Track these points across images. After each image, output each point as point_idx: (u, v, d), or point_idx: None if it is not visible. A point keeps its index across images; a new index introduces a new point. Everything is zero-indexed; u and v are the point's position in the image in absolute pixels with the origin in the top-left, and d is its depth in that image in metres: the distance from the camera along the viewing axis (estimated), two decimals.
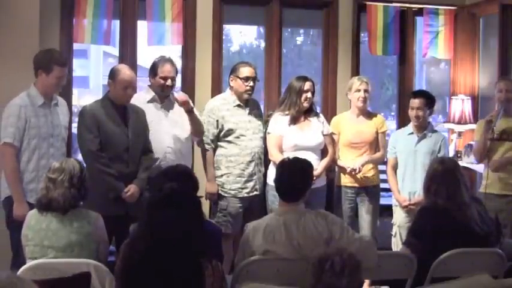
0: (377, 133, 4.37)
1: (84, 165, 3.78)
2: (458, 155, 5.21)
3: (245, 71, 4.12)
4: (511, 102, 4.21)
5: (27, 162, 3.61)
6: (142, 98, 4.07)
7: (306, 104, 4.11)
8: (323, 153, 4.19)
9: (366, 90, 4.30)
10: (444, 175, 3.12)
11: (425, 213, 3.15)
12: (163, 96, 4.06)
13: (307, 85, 4.10)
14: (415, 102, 4.27)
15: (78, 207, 3.00)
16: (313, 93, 4.17)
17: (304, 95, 4.09)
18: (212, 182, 4.13)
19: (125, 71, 3.82)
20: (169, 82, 4.01)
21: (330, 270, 2.20)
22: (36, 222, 2.96)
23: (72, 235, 2.90)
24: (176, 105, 4.06)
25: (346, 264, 2.21)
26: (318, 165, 4.06)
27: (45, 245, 2.91)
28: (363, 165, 4.22)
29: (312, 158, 3.93)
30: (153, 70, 4.04)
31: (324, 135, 4.18)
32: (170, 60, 4.06)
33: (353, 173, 4.21)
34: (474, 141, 4.51)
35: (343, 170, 4.30)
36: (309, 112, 4.18)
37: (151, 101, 4.04)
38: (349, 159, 4.29)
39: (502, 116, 4.15)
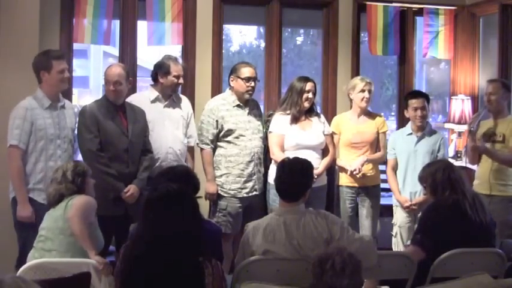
0: (377, 133, 4.37)
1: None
2: (458, 155, 5.21)
3: (246, 72, 4.12)
4: (492, 105, 4.20)
5: (34, 163, 3.63)
6: (145, 97, 4.10)
7: (306, 104, 4.11)
8: (324, 152, 4.20)
9: (369, 91, 4.30)
10: (445, 174, 3.18)
11: (436, 207, 3.17)
12: (166, 96, 4.08)
13: (308, 85, 4.11)
14: (417, 102, 4.27)
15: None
16: (314, 94, 4.17)
17: (305, 95, 4.09)
18: (212, 182, 4.13)
19: (110, 67, 3.90)
20: (181, 80, 4.11)
21: (331, 270, 2.19)
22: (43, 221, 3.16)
23: (57, 218, 3.07)
24: (178, 105, 4.14)
25: (346, 263, 2.21)
26: (319, 164, 4.07)
27: (43, 234, 3.08)
28: (362, 165, 4.22)
29: (313, 157, 3.95)
30: (164, 69, 4.05)
31: (324, 135, 4.19)
32: (178, 59, 4.19)
33: (354, 172, 4.21)
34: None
35: (343, 169, 4.31)
36: (310, 112, 4.19)
37: (154, 100, 4.07)
38: (350, 159, 4.28)
39: (483, 118, 4.18)
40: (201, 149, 4.17)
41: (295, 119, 4.11)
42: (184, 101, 4.27)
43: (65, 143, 3.76)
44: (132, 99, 4.06)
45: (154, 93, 4.08)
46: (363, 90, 4.29)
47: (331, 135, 4.27)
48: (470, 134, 4.13)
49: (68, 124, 3.82)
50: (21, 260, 3.33)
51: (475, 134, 4.10)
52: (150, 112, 4.00)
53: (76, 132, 3.85)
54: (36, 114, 3.64)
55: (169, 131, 4.06)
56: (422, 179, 3.34)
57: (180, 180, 2.83)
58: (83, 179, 3.18)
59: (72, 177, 3.14)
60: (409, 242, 3.98)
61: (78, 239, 2.98)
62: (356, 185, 4.30)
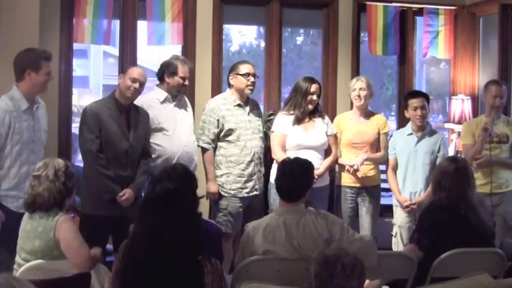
0: (378, 134, 4.36)
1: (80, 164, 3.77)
2: (459, 154, 5.20)
3: (245, 68, 4.14)
4: (498, 109, 4.26)
5: (8, 168, 3.46)
6: (153, 97, 4.09)
7: (310, 106, 4.10)
8: (326, 153, 4.19)
9: (361, 89, 4.29)
10: (457, 173, 3.16)
11: (434, 208, 3.17)
12: (173, 96, 4.10)
13: (313, 87, 4.10)
14: (417, 101, 4.27)
15: (62, 206, 2.90)
16: (318, 96, 4.17)
17: (309, 97, 4.08)
18: (213, 181, 4.12)
19: (137, 68, 3.93)
20: (186, 82, 4.13)
21: (341, 272, 2.16)
22: (23, 224, 2.91)
23: (36, 240, 2.80)
24: (185, 105, 4.19)
25: (355, 265, 2.19)
26: (321, 165, 4.07)
27: (20, 244, 2.85)
28: (361, 163, 4.22)
29: (314, 157, 3.94)
30: (172, 69, 4.06)
31: (327, 135, 4.18)
32: (186, 61, 4.20)
33: (352, 169, 4.20)
34: (463, 143, 4.47)
35: (344, 169, 4.30)
36: (314, 113, 4.18)
37: (164, 101, 4.08)
38: (350, 158, 4.28)
39: (495, 120, 4.20)
40: (202, 149, 4.17)
41: (298, 120, 4.10)
42: (186, 100, 4.30)
43: (37, 146, 3.58)
44: (141, 101, 4.02)
45: (163, 94, 4.08)
46: (354, 89, 4.30)
47: (335, 135, 4.26)
48: (485, 133, 4.16)
49: (41, 126, 3.64)
50: None
51: (489, 135, 4.18)
52: (162, 113, 4.02)
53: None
54: (14, 117, 3.43)
55: (183, 130, 4.09)
56: (434, 171, 3.38)
57: (179, 179, 2.83)
58: (74, 183, 2.94)
59: (65, 179, 2.88)
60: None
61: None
62: (357, 185, 4.30)
